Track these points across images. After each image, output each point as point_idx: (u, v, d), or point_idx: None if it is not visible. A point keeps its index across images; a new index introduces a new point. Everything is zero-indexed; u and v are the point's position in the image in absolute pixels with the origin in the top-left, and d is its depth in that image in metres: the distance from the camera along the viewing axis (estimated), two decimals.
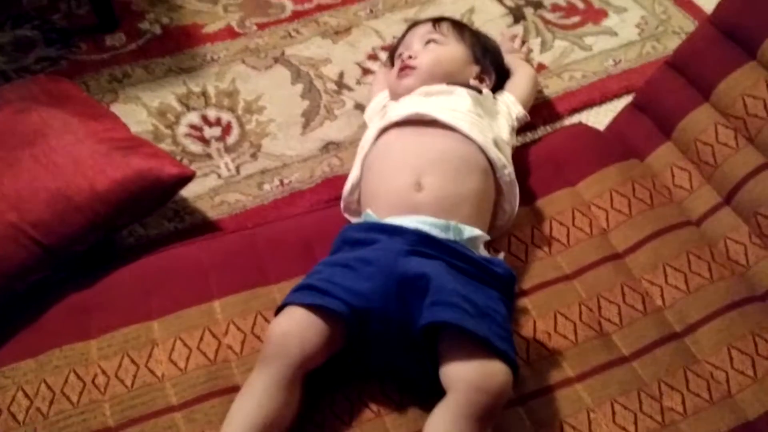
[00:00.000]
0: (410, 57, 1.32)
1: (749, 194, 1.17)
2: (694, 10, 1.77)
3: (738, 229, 1.18)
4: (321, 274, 1.02)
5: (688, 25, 1.73)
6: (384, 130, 1.19)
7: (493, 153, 1.15)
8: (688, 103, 1.29)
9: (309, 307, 0.97)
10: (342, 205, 1.22)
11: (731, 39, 1.27)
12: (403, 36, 1.43)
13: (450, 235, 1.05)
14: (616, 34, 1.73)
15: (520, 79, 1.40)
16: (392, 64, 1.41)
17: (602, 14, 1.77)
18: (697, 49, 1.32)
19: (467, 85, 1.28)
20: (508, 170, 1.16)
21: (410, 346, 0.98)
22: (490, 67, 1.36)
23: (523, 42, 1.60)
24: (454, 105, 1.20)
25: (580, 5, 1.79)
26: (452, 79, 1.29)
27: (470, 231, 1.06)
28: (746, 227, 1.17)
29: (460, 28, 1.39)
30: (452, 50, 1.34)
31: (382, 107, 1.33)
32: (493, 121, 1.23)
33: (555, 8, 1.78)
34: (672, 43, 1.66)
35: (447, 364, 0.93)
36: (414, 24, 1.44)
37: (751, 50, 1.23)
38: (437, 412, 0.92)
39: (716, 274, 1.13)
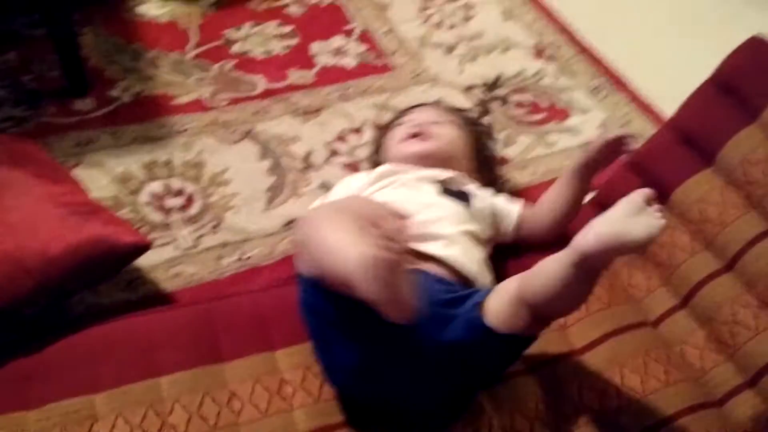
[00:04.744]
0: (418, 126, 1.38)
1: (705, 299, 1.19)
2: (655, 115, 1.83)
3: (694, 333, 1.18)
4: None
5: (649, 129, 1.78)
6: None
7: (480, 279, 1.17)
8: None
9: None
10: None
11: (689, 145, 1.31)
12: (404, 112, 1.49)
13: None
14: (578, 133, 1.78)
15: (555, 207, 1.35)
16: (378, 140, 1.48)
17: (565, 114, 1.83)
18: (656, 153, 1.36)
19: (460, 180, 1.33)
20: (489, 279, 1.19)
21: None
22: (484, 166, 1.42)
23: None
24: (444, 213, 1.21)
25: (544, 104, 1.85)
26: (450, 164, 1.34)
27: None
28: (703, 331, 1.18)
29: (469, 121, 1.48)
30: (460, 139, 1.40)
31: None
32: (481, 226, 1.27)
33: (520, 105, 1.84)
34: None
35: None
36: (422, 104, 1.52)
37: (708, 157, 1.27)
38: None
39: (672, 377, 1.13)
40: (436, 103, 1.52)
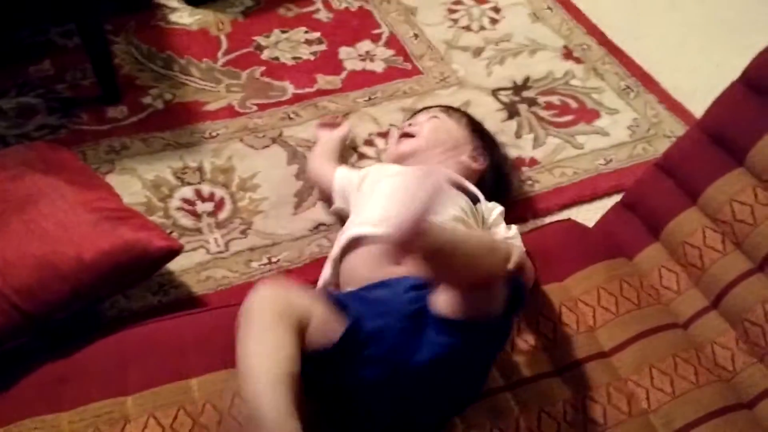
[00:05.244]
0: (410, 125, 1.45)
1: (736, 299, 1.17)
2: (685, 115, 1.82)
3: (725, 334, 1.17)
4: None
5: (679, 129, 1.77)
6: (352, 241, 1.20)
7: None
8: (676, 205, 1.31)
9: None
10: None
11: (720, 145, 1.29)
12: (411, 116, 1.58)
13: None
14: (607, 134, 1.77)
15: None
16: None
17: (595, 115, 1.82)
18: (686, 153, 1.35)
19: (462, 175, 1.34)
20: None
21: None
22: (484, 149, 1.43)
23: None
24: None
25: (573, 105, 1.84)
26: (446, 150, 1.37)
27: None
28: (734, 332, 1.16)
29: (461, 113, 1.52)
30: (449, 124, 1.45)
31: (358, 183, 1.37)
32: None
33: (549, 106, 1.83)
34: (662, 146, 1.69)
35: None
36: (428, 107, 1.59)
37: (738, 157, 1.25)
38: None
39: (703, 378, 1.12)
40: (446, 107, 1.56)
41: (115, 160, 1.58)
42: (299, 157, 1.63)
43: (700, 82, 1.90)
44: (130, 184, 1.53)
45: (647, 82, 1.92)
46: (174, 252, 1.20)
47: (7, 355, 1.09)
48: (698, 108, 1.77)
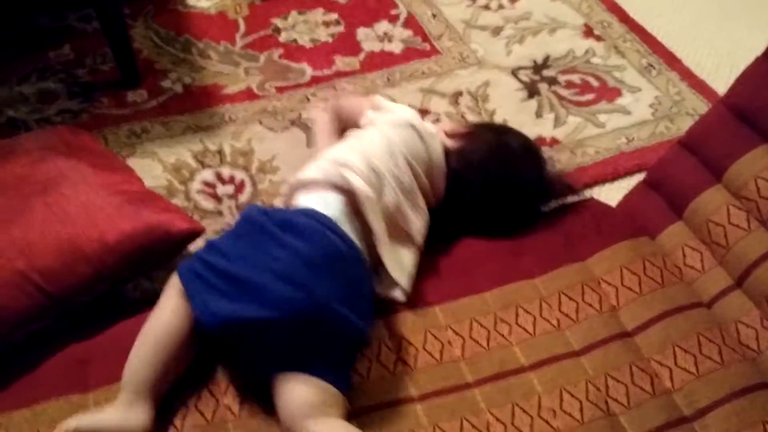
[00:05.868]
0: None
1: (761, 278, 1.16)
2: (708, 92, 1.79)
3: (749, 313, 1.15)
4: None
5: (702, 106, 1.75)
6: None
7: None
8: (700, 183, 1.29)
9: None
10: None
11: (744, 121, 1.27)
12: None
13: None
14: (629, 112, 1.75)
15: None
16: None
17: (616, 93, 1.80)
18: (710, 130, 1.33)
19: None
20: None
21: None
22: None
23: None
24: None
25: (594, 83, 1.82)
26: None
27: None
28: (758, 311, 1.15)
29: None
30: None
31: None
32: None
33: (569, 85, 1.81)
34: (685, 124, 1.67)
35: None
36: None
37: (763, 133, 1.23)
38: None
39: (727, 358, 1.11)
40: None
41: (136, 144, 1.59)
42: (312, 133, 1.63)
43: (723, 59, 1.88)
44: (151, 167, 1.54)
45: (669, 59, 1.90)
46: (196, 234, 1.21)
47: (31, 337, 1.10)
48: (720, 85, 1.76)
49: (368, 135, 1.28)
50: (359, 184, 1.14)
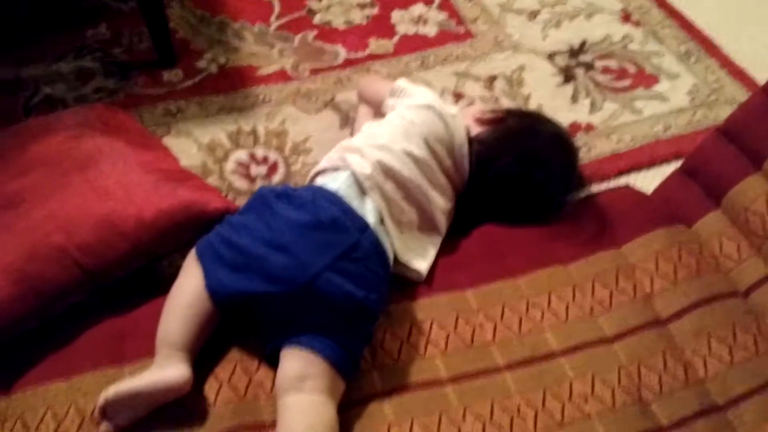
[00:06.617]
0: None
1: None
2: (747, 81, 1.76)
3: None
4: None
5: (741, 94, 1.72)
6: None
7: None
8: (738, 172, 1.27)
9: None
10: None
11: None
12: None
13: None
14: (667, 99, 1.72)
15: None
16: None
17: (654, 79, 1.77)
18: (750, 118, 1.31)
19: None
20: None
21: None
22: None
23: None
24: None
25: (632, 69, 1.80)
26: None
27: None
28: None
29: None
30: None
31: None
32: None
33: (606, 70, 1.79)
34: (723, 113, 1.64)
35: None
36: None
37: None
38: None
39: (762, 348, 1.10)
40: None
41: (171, 123, 1.60)
42: (351, 121, 1.63)
43: (763, 47, 1.85)
44: (186, 146, 1.55)
45: (708, 46, 1.86)
46: (230, 213, 1.21)
47: (68, 311, 1.12)
48: (760, 73, 1.73)
49: (386, 120, 1.30)
50: (356, 164, 1.17)
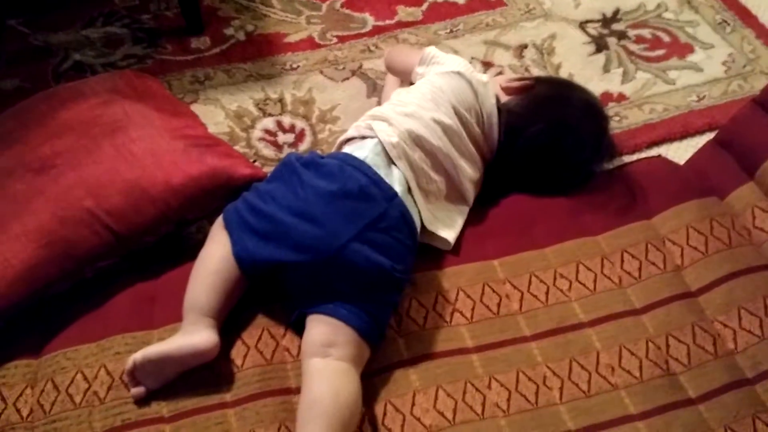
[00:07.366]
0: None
1: None
2: None
3: None
4: None
5: None
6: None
7: None
8: None
9: None
10: None
11: None
12: None
13: None
14: (701, 70, 1.69)
15: None
16: None
17: (688, 49, 1.73)
18: None
19: None
20: None
21: None
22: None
23: None
24: None
25: (666, 38, 1.76)
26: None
27: None
28: None
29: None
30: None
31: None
32: None
33: (639, 40, 1.75)
34: (759, 83, 1.61)
35: None
36: None
37: None
38: None
39: None
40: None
41: (199, 90, 1.60)
42: (379, 89, 1.61)
43: None
44: (214, 114, 1.55)
45: (744, 15, 1.82)
46: (258, 179, 1.21)
47: (99, 274, 1.14)
48: None
49: (414, 87, 1.29)
50: (383, 132, 1.16)
